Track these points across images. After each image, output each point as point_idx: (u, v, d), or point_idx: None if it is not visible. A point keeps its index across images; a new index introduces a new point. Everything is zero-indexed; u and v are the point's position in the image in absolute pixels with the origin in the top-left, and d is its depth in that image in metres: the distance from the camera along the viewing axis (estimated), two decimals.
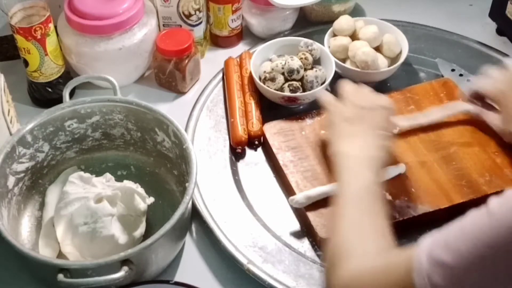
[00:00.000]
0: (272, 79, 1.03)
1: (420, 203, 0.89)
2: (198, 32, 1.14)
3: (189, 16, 1.11)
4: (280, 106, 1.04)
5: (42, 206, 0.91)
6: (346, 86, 0.92)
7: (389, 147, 0.84)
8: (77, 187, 0.87)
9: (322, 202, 0.89)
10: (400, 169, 0.92)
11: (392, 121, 0.88)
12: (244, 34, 1.21)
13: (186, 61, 1.07)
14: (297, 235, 0.89)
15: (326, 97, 0.93)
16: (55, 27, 1.03)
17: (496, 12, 1.20)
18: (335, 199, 0.77)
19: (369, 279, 0.66)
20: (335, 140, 0.85)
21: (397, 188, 0.90)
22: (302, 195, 0.88)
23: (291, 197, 0.89)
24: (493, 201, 0.58)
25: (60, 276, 0.74)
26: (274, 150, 0.97)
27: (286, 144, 0.98)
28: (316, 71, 1.04)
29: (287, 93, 1.02)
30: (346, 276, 0.67)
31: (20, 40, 0.99)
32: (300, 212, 0.90)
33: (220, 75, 1.11)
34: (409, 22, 1.19)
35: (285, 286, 0.82)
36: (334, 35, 1.12)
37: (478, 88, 0.96)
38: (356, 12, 1.24)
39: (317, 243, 0.87)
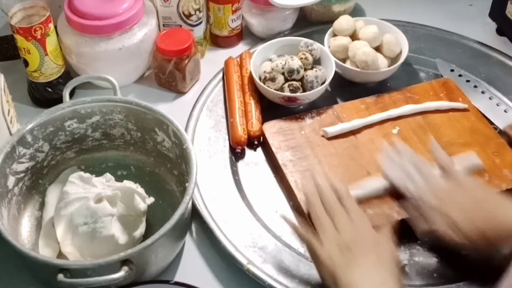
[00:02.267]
0: (272, 79, 1.03)
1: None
2: (198, 32, 1.14)
3: (189, 16, 1.11)
4: (280, 106, 1.04)
5: (42, 206, 0.92)
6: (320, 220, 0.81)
7: (397, 264, 0.77)
8: (77, 187, 0.87)
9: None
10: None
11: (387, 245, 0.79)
12: (244, 34, 1.21)
13: (186, 61, 1.07)
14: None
15: (307, 242, 0.80)
16: (55, 27, 1.03)
17: (496, 12, 1.20)
18: None
19: None
20: (341, 276, 0.75)
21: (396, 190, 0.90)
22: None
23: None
24: None
25: (60, 276, 0.74)
26: (274, 150, 0.97)
27: (286, 144, 0.98)
28: (316, 71, 1.04)
29: (287, 93, 1.02)
30: None
31: (20, 40, 0.99)
32: (300, 212, 0.90)
33: (220, 75, 1.11)
34: (409, 22, 1.20)
35: (285, 286, 0.82)
36: (334, 35, 1.12)
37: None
38: (356, 12, 1.24)
39: None
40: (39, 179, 0.93)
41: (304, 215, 0.89)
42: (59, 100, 0.93)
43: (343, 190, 0.84)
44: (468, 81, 1.10)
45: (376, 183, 0.90)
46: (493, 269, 0.73)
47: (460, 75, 1.11)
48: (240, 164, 0.98)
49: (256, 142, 1.01)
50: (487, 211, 0.80)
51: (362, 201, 0.88)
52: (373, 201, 0.89)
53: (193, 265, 0.88)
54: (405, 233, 0.88)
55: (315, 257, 0.79)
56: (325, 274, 0.77)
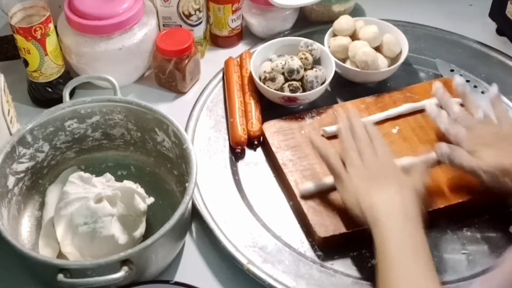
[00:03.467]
0: (272, 79, 1.03)
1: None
2: (198, 32, 1.14)
3: (189, 16, 1.11)
4: (280, 106, 1.04)
5: (42, 206, 0.92)
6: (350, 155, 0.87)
7: (420, 195, 0.81)
8: (77, 187, 0.87)
9: (321, 202, 0.89)
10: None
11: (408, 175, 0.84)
12: (244, 34, 1.21)
13: (186, 61, 1.07)
14: (297, 235, 0.89)
15: (332, 161, 0.86)
16: (55, 27, 1.03)
17: (496, 12, 1.20)
18: (383, 262, 0.74)
19: None
20: (361, 197, 0.81)
21: None
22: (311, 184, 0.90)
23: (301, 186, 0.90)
24: None
25: (60, 276, 0.74)
26: (274, 149, 0.97)
27: (286, 143, 0.98)
28: (316, 71, 1.04)
29: (287, 93, 1.02)
30: None
31: (20, 40, 0.99)
32: (300, 212, 0.90)
33: (220, 75, 1.11)
34: (409, 22, 1.19)
35: (285, 286, 0.82)
36: (334, 35, 1.12)
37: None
38: (356, 12, 1.24)
39: (316, 243, 0.87)
40: (39, 179, 0.93)
41: (303, 215, 0.89)
42: (59, 100, 0.93)
43: (374, 130, 0.90)
44: (468, 81, 1.10)
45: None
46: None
47: (460, 75, 1.10)
48: (240, 164, 0.98)
49: (256, 142, 1.01)
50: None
51: None
52: None
53: (193, 265, 0.88)
54: None
55: (341, 185, 0.85)
56: (350, 201, 0.83)
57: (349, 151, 0.86)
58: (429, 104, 0.96)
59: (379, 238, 0.76)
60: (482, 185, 0.85)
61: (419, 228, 0.76)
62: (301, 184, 0.91)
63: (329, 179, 0.90)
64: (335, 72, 1.05)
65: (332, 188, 0.89)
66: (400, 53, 1.09)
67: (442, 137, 0.97)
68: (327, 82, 1.04)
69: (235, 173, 0.97)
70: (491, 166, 0.82)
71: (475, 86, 1.09)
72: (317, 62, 1.08)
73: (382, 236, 0.76)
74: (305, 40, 1.08)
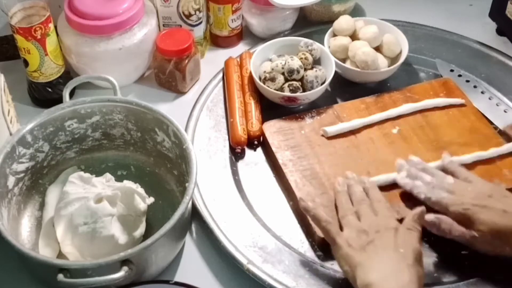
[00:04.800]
0: (272, 79, 1.03)
1: (419, 204, 0.88)
2: (198, 32, 1.14)
3: (189, 16, 1.11)
4: (280, 106, 1.04)
5: (42, 206, 0.91)
6: (344, 211, 0.84)
7: (418, 262, 0.76)
8: (77, 187, 0.87)
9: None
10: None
11: (407, 236, 0.79)
12: (244, 34, 1.21)
13: (186, 61, 1.07)
14: (297, 235, 0.89)
15: (324, 224, 0.82)
16: (55, 27, 1.03)
17: (496, 12, 1.20)
18: None
19: None
20: (357, 272, 0.75)
21: (396, 187, 0.90)
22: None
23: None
24: None
25: (60, 276, 0.74)
26: (274, 149, 0.97)
27: (286, 143, 0.98)
28: (316, 71, 1.04)
29: (287, 93, 1.02)
30: None
31: (20, 40, 0.99)
32: (300, 212, 0.90)
33: (220, 75, 1.11)
34: (409, 22, 1.20)
35: (285, 286, 0.82)
36: (334, 35, 1.12)
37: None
38: (356, 12, 1.24)
39: (316, 243, 0.87)
40: (39, 179, 0.93)
41: (303, 215, 0.89)
42: (59, 100, 0.93)
43: (369, 182, 0.88)
44: (468, 81, 1.10)
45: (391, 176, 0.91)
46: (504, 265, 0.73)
47: (459, 75, 1.11)
48: (240, 164, 0.98)
49: (256, 142, 1.01)
50: (499, 205, 0.81)
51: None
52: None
53: (193, 265, 0.88)
54: None
55: (336, 250, 0.80)
56: (345, 269, 0.78)
57: (347, 213, 0.83)
58: (400, 178, 0.90)
59: None
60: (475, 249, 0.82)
61: None
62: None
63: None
64: (335, 72, 1.05)
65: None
66: (400, 53, 1.09)
67: (442, 138, 0.98)
68: (327, 82, 1.04)
69: (235, 173, 0.97)
70: (487, 235, 0.79)
71: (475, 86, 1.09)
72: (317, 62, 1.08)
73: None
74: (305, 40, 1.08)
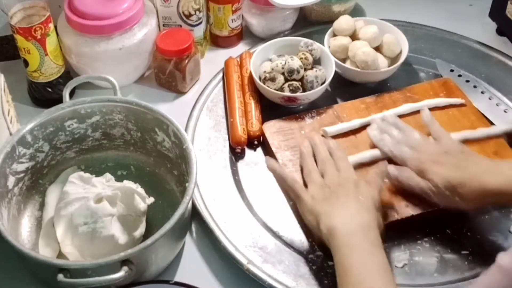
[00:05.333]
0: (272, 79, 1.03)
1: (418, 203, 0.88)
2: (198, 32, 1.14)
3: (189, 16, 1.11)
4: (280, 106, 1.04)
5: (42, 206, 0.92)
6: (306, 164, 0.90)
7: (377, 209, 0.82)
8: (77, 187, 0.87)
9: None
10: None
11: (367, 187, 0.84)
12: (244, 34, 1.21)
13: (186, 61, 1.07)
14: (297, 235, 0.89)
15: (290, 182, 0.86)
16: (55, 27, 1.03)
17: (496, 12, 1.20)
18: (343, 284, 0.74)
19: None
20: (321, 219, 0.81)
21: (396, 187, 0.90)
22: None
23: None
24: (503, 258, 0.59)
25: (60, 276, 0.74)
26: (274, 149, 0.97)
27: (286, 143, 0.98)
28: (316, 71, 1.04)
29: (287, 93, 1.02)
30: None
31: (20, 40, 0.99)
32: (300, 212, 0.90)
33: (220, 75, 1.11)
34: (409, 22, 1.20)
35: (285, 286, 0.82)
36: (334, 35, 1.12)
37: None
38: (356, 12, 1.24)
39: (316, 243, 0.87)
40: (39, 179, 0.93)
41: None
42: (59, 100, 0.93)
43: (333, 144, 0.92)
44: (467, 81, 1.10)
45: (366, 154, 0.95)
46: None
47: (459, 75, 1.10)
48: (240, 164, 0.98)
49: (256, 142, 1.01)
50: (467, 172, 0.83)
51: None
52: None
53: (193, 265, 0.88)
54: (405, 233, 0.88)
55: (301, 205, 0.85)
56: (309, 221, 0.83)
57: (311, 172, 0.88)
58: (369, 129, 0.96)
59: (339, 262, 0.76)
60: (434, 203, 0.86)
61: (378, 247, 0.76)
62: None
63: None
64: (335, 72, 1.05)
65: None
66: (400, 53, 1.09)
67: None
68: (327, 82, 1.04)
69: (235, 173, 0.97)
70: (439, 186, 0.83)
71: (474, 86, 1.09)
72: (317, 62, 1.08)
73: (341, 260, 0.76)
74: (305, 40, 1.08)
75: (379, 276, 0.73)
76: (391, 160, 0.91)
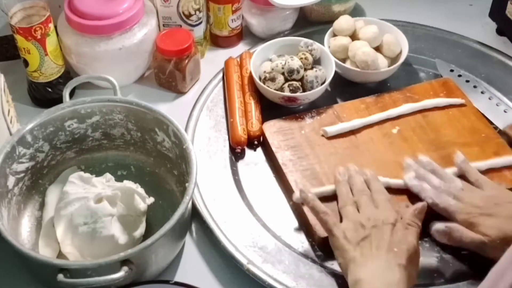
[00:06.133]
0: (272, 79, 1.03)
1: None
2: (198, 32, 1.14)
3: (189, 16, 1.11)
4: (280, 106, 1.04)
5: (42, 206, 0.92)
6: (344, 202, 0.85)
7: (412, 261, 0.77)
8: (77, 187, 0.87)
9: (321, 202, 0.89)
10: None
11: (404, 233, 0.79)
12: (244, 34, 1.21)
13: (186, 61, 1.07)
14: (297, 235, 0.89)
15: (322, 215, 0.82)
16: (55, 27, 1.03)
17: (496, 12, 1.20)
18: None
19: None
20: (349, 267, 0.77)
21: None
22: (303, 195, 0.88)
23: (294, 194, 0.89)
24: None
25: (60, 276, 0.74)
26: (274, 149, 0.97)
27: (286, 143, 0.98)
28: (316, 71, 1.04)
29: (287, 93, 1.02)
30: None
31: (20, 40, 0.99)
32: (300, 212, 0.90)
33: (220, 75, 1.11)
34: (409, 22, 1.20)
35: (285, 286, 0.82)
36: (334, 35, 1.12)
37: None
38: (356, 12, 1.24)
39: (316, 243, 0.87)
40: (39, 179, 0.93)
41: (303, 215, 0.89)
42: (59, 100, 0.93)
43: (371, 174, 0.88)
44: (467, 81, 1.10)
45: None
46: None
47: (459, 75, 1.11)
48: (240, 164, 0.98)
49: (256, 142, 1.01)
50: (505, 212, 0.81)
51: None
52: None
53: (193, 265, 0.88)
54: None
55: (333, 241, 0.80)
56: (340, 260, 0.79)
57: (346, 204, 0.84)
58: (408, 179, 0.90)
59: None
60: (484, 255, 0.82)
61: None
62: (295, 192, 0.89)
63: (326, 187, 0.90)
64: (335, 72, 1.05)
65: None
66: (400, 53, 1.09)
67: (442, 138, 0.97)
68: (327, 82, 1.04)
69: (235, 173, 0.97)
70: (494, 240, 0.79)
71: (474, 86, 1.09)
72: (317, 62, 1.08)
73: None
74: (305, 40, 1.08)
75: None
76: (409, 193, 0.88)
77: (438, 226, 0.84)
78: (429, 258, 0.86)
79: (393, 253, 0.76)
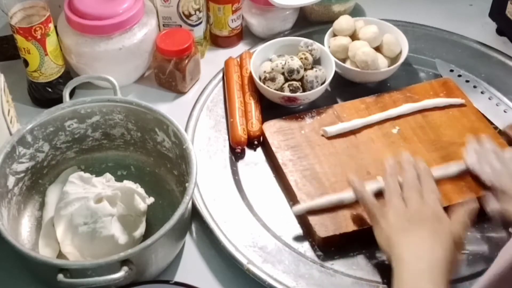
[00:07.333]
0: (272, 79, 1.03)
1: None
2: (198, 32, 1.14)
3: (189, 16, 1.11)
4: (280, 106, 1.04)
5: (42, 206, 0.92)
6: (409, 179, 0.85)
7: (455, 249, 0.77)
8: (77, 187, 0.87)
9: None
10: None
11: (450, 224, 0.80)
12: (244, 34, 1.21)
13: (186, 61, 1.07)
14: (297, 235, 0.89)
15: (370, 205, 0.83)
16: (55, 27, 1.03)
17: (496, 12, 1.20)
18: None
19: None
20: (394, 238, 0.78)
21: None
22: (305, 206, 0.89)
23: (294, 207, 0.89)
24: None
25: (60, 276, 0.74)
26: (274, 149, 0.97)
27: (286, 143, 0.98)
28: (316, 71, 1.04)
29: (287, 93, 1.02)
30: None
31: (20, 40, 0.99)
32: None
33: (220, 75, 1.11)
34: (409, 22, 1.19)
35: (285, 286, 0.82)
36: (334, 35, 1.12)
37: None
38: (356, 12, 1.24)
39: (316, 243, 0.87)
40: (39, 179, 0.93)
41: (303, 215, 0.89)
42: (59, 100, 0.93)
43: (423, 167, 0.87)
44: (467, 81, 1.10)
45: (453, 167, 0.92)
46: None
47: (459, 75, 1.11)
48: (240, 164, 0.98)
49: (256, 142, 1.01)
50: None
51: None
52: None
53: (193, 265, 0.88)
54: None
55: (376, 226, 0.82)
56: (382, 242, 0.80)
57: (393, 196, 0.83)
58: (468, 156, 0.92)
59: (397, 277, 0.74)
60: None
61: (440, 278, 0.73)
62: (295, 206, 0.90)
63: (326, 199, 0.89)
64: (335, 72, 1.05)
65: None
66: (400, 53, 1.09)
67: (442, 138, 0.97)
68: (327, 82, 1.04)
69: (235, 173, 0.97)
70: None
71: (474, 86, 1.09)
72: (317, 62, 1.08)
73: (400, 276, 0.74)
74: (305, 40, 1.08)
75: None
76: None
77: (492, 201, 0.85)
78: None
79: (437, 235, 0.77)
